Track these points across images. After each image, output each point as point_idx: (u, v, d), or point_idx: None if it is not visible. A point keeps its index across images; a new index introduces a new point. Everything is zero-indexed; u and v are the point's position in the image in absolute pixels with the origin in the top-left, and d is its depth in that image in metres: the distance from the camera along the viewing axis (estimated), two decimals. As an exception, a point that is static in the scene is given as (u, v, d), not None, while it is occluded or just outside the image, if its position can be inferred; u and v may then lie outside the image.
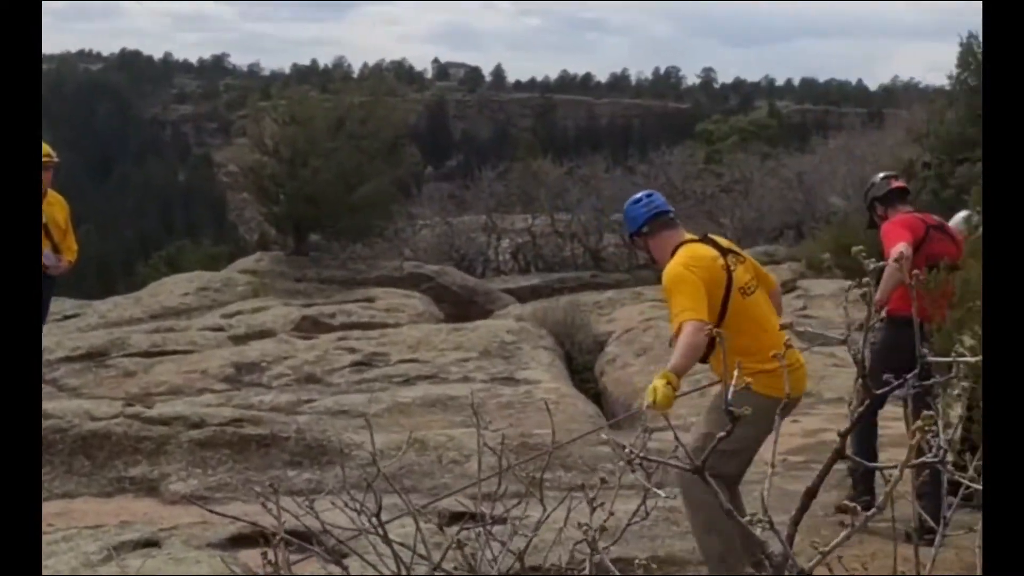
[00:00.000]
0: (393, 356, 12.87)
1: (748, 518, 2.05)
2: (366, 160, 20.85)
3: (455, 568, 3.00)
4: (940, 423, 2.07)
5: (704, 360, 5.23)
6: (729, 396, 2.11)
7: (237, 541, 6.52)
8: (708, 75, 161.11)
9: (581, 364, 14.17)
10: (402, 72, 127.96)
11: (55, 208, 9.55)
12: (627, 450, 2.27)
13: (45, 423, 8.07)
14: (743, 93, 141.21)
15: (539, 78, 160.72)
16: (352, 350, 13.07)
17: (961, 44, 16.75)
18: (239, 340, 14.04)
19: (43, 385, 10.02)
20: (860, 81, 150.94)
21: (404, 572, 2.92)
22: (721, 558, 5.09)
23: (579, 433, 7.65)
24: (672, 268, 5.25)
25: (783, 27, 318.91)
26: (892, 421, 6.28)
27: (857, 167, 28.11)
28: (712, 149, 44.42)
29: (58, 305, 15.53)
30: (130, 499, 7.86)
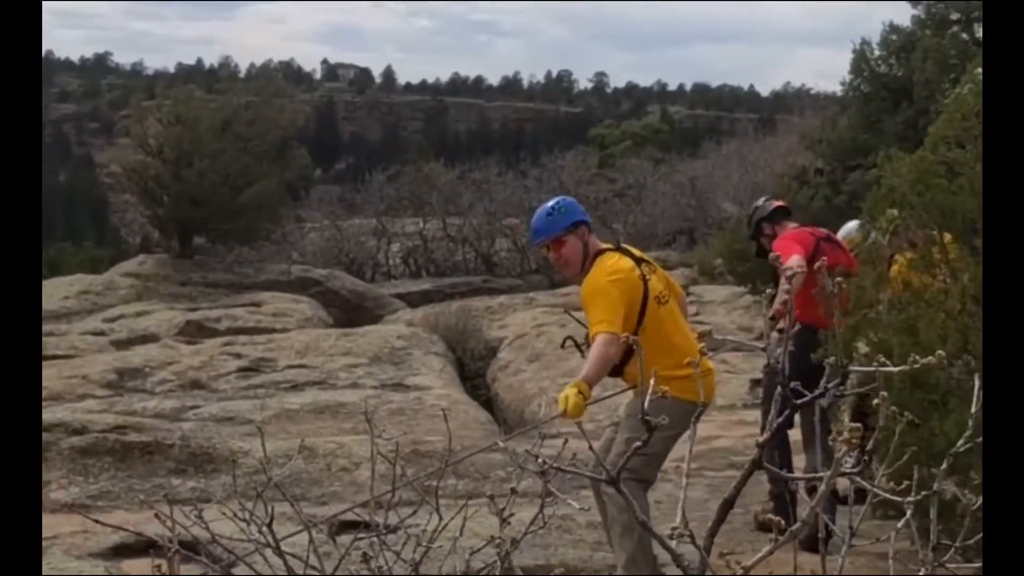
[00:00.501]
0: (281, 362, 12.70)
1: (669, 532, 2.01)
2: (253, 162, 20.59)
3: (349, 580, 2.93)
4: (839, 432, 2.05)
5: (617, 374, 5.30)
6: (646, 405, 2.07)
7: (120, 551, 6.35)
8: (600, 79, 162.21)
9: (473, 370, 14.13)
10: (290, 72, 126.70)
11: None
12: (540, 460, 2.23)
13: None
14: (635, 98, 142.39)
15: (430, 80, 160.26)
16: (238, 355, 12.87)
17: (854, 51, 17.09)
18: (121, 345, 13.75)
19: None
20: (752, 87, 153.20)
21: (296, 584, 2.83)
22: (632, 558, 5.14)
23: (471, 439, 7.61)
24: (595, 279, 5.29)
25: (676, 32, 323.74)
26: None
27: (750, 173, 28.63)
28: (605, 154, 44.82)
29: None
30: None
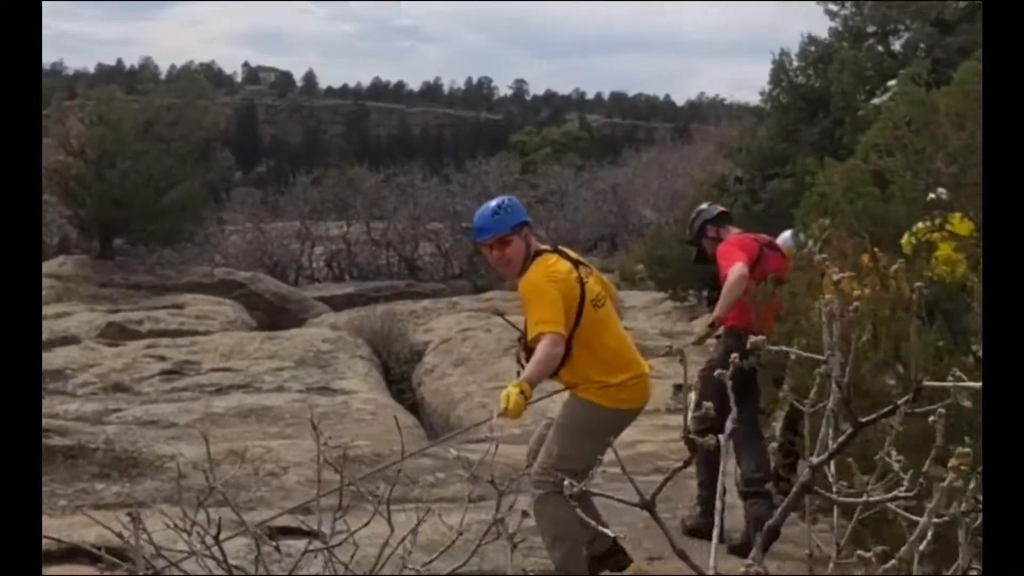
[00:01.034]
0: (205, 364, 12.59)
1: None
2: (176, 163, 20.40)
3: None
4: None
5: (554, 375, 5.28)
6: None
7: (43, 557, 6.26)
8: (520, 87, 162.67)
9: (398, 374, 14.12)
10: (211, 75, 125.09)
11: None
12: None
13: None
14: (554, 105, 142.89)
15: (352, 84, 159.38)
16: (162, 358, 12.74)
17: (774, 61, 17.29)
18: (42, 346, 13.50)
19: None
20: (668, 96, 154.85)
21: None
22: (563, 567, 5.21)
23: (399, 444, 7.61)
24: (533, 279, 5.31)
25: (593, 41, 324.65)
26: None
27: (669, 180, 29.01)
28: (526, 160, 44.95)
29: None
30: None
